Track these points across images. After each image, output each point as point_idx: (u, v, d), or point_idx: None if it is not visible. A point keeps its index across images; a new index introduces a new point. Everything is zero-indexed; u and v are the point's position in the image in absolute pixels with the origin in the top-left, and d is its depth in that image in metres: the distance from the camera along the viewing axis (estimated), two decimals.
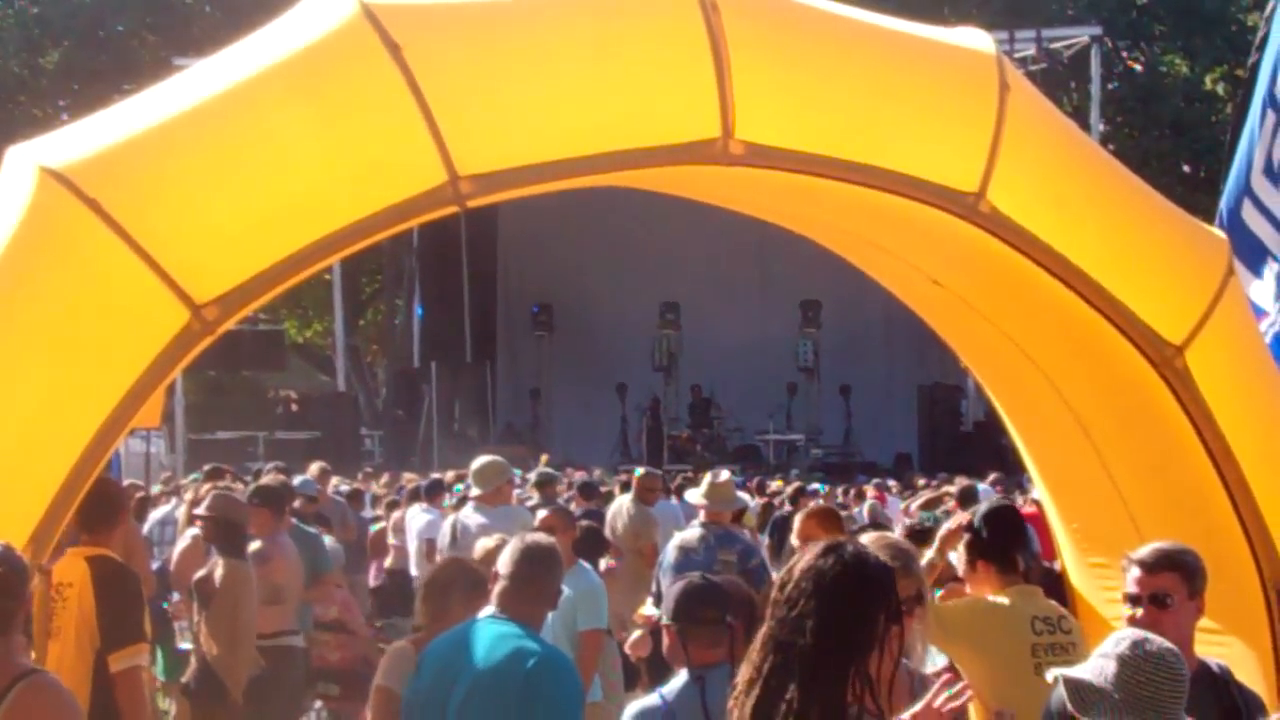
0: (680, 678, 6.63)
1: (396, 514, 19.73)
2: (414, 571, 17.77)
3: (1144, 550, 6.37)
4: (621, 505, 16.66)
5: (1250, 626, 7.94)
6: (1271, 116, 11.96)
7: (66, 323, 5.97)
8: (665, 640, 6.82)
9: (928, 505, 17.93)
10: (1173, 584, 6.26)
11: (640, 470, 18.34)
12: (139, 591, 8.97)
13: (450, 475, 21.27)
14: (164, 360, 6.08)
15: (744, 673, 4.79)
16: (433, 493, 19.07)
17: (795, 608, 4.68)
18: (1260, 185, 11.98)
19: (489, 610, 6.98)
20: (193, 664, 11.44)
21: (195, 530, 13.07)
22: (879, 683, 4.67)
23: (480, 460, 14.93)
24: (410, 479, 23.58)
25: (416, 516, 18.30)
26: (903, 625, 4.83)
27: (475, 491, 14.84)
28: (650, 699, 6.67)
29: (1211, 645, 7.21)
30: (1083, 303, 7.69)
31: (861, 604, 4.67)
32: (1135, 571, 6.29)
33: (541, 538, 7.37)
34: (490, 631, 6.88)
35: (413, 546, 18.03)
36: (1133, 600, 6.28)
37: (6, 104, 47.71)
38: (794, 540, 9.86)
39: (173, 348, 6.08)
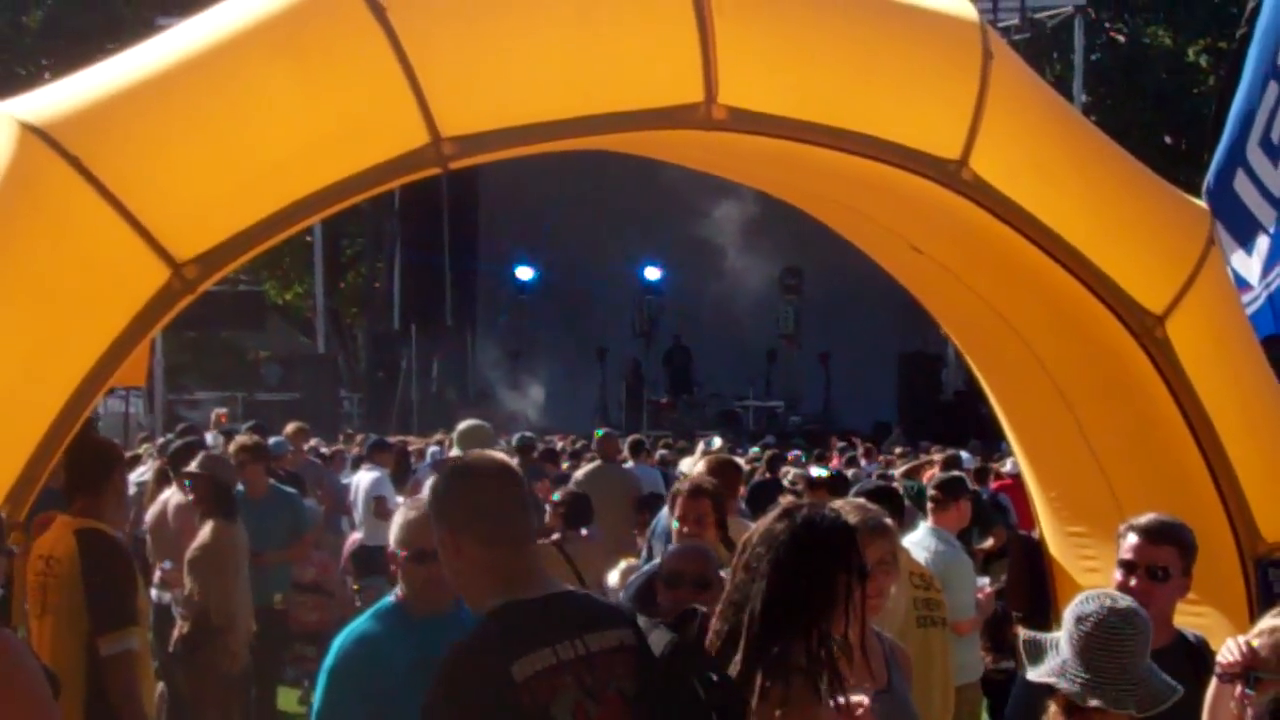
0: None
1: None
2: (359, 532, 17.79)
3: (1147, 519, 6.33)
4: (591, 468, 16.76)
5: (1228, 597, 7.95)
6: (1274, 88, 11.90)
7: (45, 278, 5.94)
8: None
9: (910, 474, 17.92)
10: (1171, 558, 6.25)
11: (601, 431, 18.57)
12: (130, 569, 8.35)
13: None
14: (143, 318, 6.04)
15: (710, 639, 4.79)
16: (377, 452, 19.08)
17: (750, 572, 4.69)
18: (1256, 157, 11.93)
19: None
20: (180, 630, 11.34)
21: (169, 493, 12.93)
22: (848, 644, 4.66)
23: (465, 423, 14.96)
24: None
25: (363, 477, 18.30)
26: (864, 586, 4.79)
27: (456, 453, 14.87)
28: None
29: (1189, 616, 7.23)
30: (1064, 271, 7.69)
31: (815, 565, 4.65)
32: (1133, 539, 6.26)
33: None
34: None
35: (360, 506, 18.03)
36: (1127, 567, 6.25)
37: None
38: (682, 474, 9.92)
39: (152, 306, 6.05)
